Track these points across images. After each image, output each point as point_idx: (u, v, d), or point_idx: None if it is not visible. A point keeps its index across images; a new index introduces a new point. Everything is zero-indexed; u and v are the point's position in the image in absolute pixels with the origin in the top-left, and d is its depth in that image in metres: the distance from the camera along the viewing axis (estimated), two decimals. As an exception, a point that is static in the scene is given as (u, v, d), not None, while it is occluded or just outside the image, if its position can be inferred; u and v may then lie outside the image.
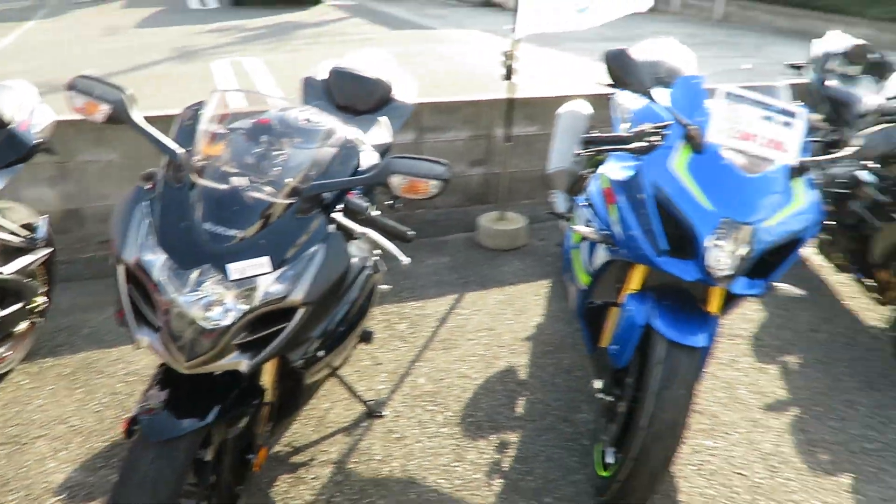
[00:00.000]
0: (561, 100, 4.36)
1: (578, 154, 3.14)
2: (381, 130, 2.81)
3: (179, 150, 1.70)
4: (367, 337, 2.26)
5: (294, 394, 1.99)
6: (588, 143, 2.34)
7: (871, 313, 3.46)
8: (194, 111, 1.83)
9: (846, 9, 12.36)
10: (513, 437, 2.54)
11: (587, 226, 2.39)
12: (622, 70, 2.16)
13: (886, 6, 11.61)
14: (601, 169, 2.46)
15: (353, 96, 2.91)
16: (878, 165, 3.10)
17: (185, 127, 1.81)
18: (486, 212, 4.24)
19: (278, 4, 16.17)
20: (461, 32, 12.79)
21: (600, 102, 4.19)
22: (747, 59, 10.20)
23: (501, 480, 2.34)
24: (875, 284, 3.24)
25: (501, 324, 3.27)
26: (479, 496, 2.27)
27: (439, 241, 4.11)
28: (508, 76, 3.89)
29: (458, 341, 3.12)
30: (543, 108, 4.50)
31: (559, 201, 3.41)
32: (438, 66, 9.26)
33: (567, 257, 2.80)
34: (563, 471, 2.39)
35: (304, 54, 9.99)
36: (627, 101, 3.14)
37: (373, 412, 2.63)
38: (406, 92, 3.09)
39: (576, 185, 3.43)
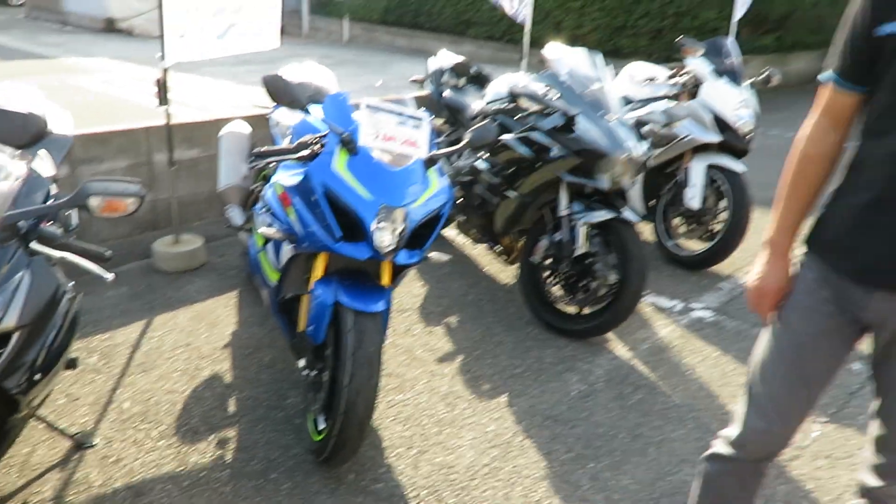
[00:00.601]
0: (219, 122, 4.58)
1: (252, 167, 3.43)
2: (44, 164, 2.77)
3: None
4: (72, 363, 2.27)
5: (5, 429, 1.96)
6: (259, 156, 2.65)
7: (504, 273, 4.32)
8: None
9: (452, 29, 14.31)
10: (231, 433, 2.73)
11: (269, 228, 2.69)
12: (279, 91, 2.49)
13: (481, 27, 13.74)
14: (274, 178, 2.77)
15: (5, 132, 2.80)
16: (489, 155, 3.89)
17: None
18: (161, 237, 4.27)
19: None
20: (89, 61, 11.99)
21: (257, 122, 4.49)
22: (377, 75, 11.30)
23: (228, 470, 2.53)
24: (502, 249, 4.07)
25: (197, 338, 3.40)
26: (209, 488, 2.44)
27: (115, 272, 4.02)
28: (164, 102, 3.98)
29: (157, 362, 3.18)
30: (202, 132, 4.66)
31: (235, 215, 3.64)
32: (74, 97, 8.65)
33: (255, 262, 3.06)
34: (282, 449, 2.66)
35: None
36: (285, 117, 3.50)
37: (82, 444, 2.61)
38: (62, 124, 3.05)
39: (248, 199, 3.69)
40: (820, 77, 1.60)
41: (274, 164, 2.84)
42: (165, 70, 3.90)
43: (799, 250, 1.68)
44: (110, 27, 16.58)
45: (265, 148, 2.66)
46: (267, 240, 2.89)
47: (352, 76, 10.94)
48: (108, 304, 3.66)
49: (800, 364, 1.63)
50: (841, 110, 1.55)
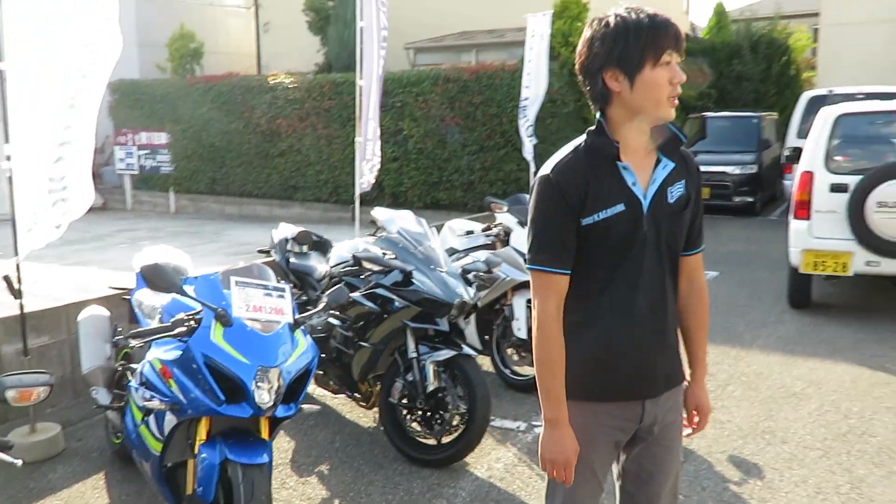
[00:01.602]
0: (69, 307, 4.70)
1: (132, 347, 3.64)
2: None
3: None
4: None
5: None
6: (136, 336, 2.94)
7: (365, 417, 4.67)
8: None
9: (280, 194, 14.96)
10: None
11: (150, 401, 2.93)
12: (158, 279, 2.85)
13: (308, 191, 14.50)
14: (150, 354, 3.04)
15: None
16: (340, 311, 4.35)
17: None
18: (14, 427, 4.21)
19: None
20: None
21: (111, 302, 4.67)
22: (212, 244, 11.51)
23: None
24: (361, 395, 4.44)
25: (69, 525, 3.41)
26: None
27: (-36, 473, 3.91)
28: (17, 295, 4.10)
29: (31, 554, 3.16)
30: (51, 319, 4.74)
31: (101, 395, 3.76)
32: None
33: (133, 438, 3.22)
34: None
35: None
36: (149, 298, 3.78)
37: None
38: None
39: (112, 378, 3.84)
40: (536, 269, 1.95)
41: (141, 342, 3.09)
42: (18, 265, 4.06)
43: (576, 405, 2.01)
44: None
45: (142, 329, 2.97)
46: (146, 413, 3.09)
47: (186, 247, 10.98)
48: (-36, 506, 3.57)
49: (598, 479, 2.08)
50: (563, 291, 1.98)
